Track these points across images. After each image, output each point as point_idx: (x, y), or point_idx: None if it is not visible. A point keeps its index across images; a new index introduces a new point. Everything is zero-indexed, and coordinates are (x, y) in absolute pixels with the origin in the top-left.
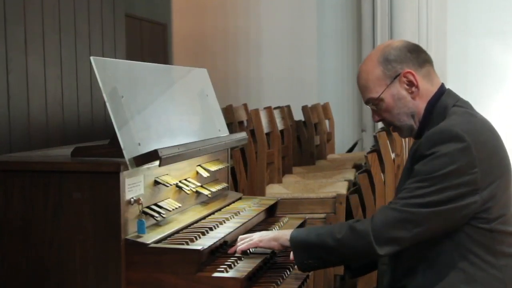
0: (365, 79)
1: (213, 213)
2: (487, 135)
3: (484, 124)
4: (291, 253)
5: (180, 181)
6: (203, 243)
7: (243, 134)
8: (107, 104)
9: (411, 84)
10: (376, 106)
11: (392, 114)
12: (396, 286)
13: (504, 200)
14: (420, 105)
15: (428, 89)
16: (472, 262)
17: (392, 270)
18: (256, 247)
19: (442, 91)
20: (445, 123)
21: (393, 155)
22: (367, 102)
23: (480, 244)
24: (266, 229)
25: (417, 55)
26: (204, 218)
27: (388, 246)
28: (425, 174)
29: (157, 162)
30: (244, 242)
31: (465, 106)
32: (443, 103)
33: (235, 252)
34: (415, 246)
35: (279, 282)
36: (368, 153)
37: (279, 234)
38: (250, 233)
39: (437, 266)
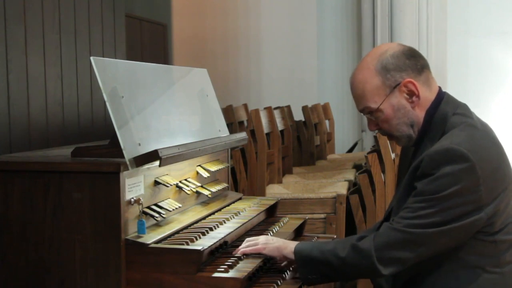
0: (361, 89)
1: (213, 213)
2: (490, 149)
3: (486, 135)
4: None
5: (180, 181)
6: (203, 243)
7: (243, 134)
8: (107, 104)
9: (411, 93)
10: (374, 116)
11: (391, 125)
12: None
13: (508, 211)
14: (420, 114)
15: (427, 97)
16: (476, 273)
17: (393, 280)
18: (259, 254)
19: (440, 97)
20: (448, 140)
21: (393, 155)
22: (363, 111)
23: (484, 255)
24: (267, 229)
25: (415, 61)
26: (204, 218)
27: (392, 266)
28: (429, 194)
29: (157, 162)
30: (249, 245)
31: (465, 113)
32: (442, 111)
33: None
34: None
35: (279, 283)
36: (368, 153)
37: (283, 245)
38: (251, 233)
39: (440, 277)
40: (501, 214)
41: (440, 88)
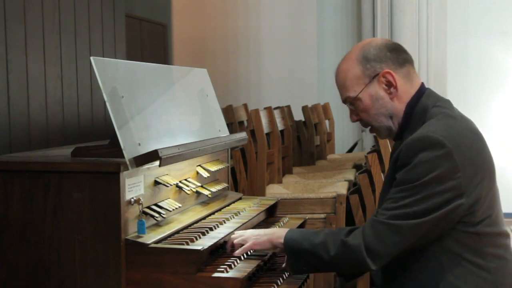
0: (343, 77)
1: (213, 213)
2: (468, 137)
3: (464, 125)
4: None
5: (180, 181)
6: (203, 243)
7: (243, 134)
8: (107, 104)
9: (389, 84)
10: (354, 105)
11: (369, 115)
12: None
13: (489, 201)
14: (399, 106)
15: (407, 90)
16: (462, 265)
17: (383, 275)
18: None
19: (422, 92)
20: (424, 129)
21: None
22: (345, 101)
23: (468, 247)
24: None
25: (397, 55)
26: (204, 218)
27: (380, 259)
28: (408, 182)
29: (157, 162)
30: (238, 242)
31: (445, 106)
32: (423, 104)
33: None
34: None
35: (279, 282)
36: (368, 153)
37: (273, 236)
38: None
39: (427, 270)
40: (482, 202)
41: (422, 83)
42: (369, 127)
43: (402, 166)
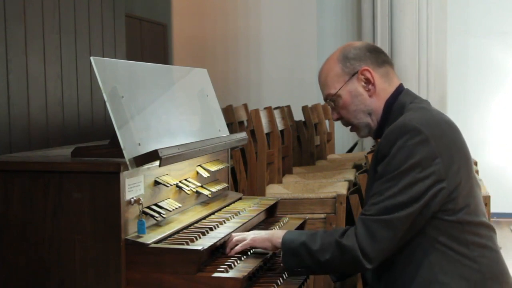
0: (324, 76)
1: (213, 213)
2: (443, 126)
3: (440, 116)
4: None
5: (180, 181)
6: (203, 243)
7: (243, 134)
8: (107, 104)
9: (368, 81)
10: (334, 102)
11: (348, 111)
12: (377, 284)
13: (467, 190)
14: (378, 103)
15: (385, 89)
16: (447, 255)
17: (373, 272)
18: (251, 248)
19: (400, 90)
20: (400, 119)
21: None
22: (326, 98)
23: (450, 236)
24: (266, 229)
25: (376, 55)
26: (204, 218)
27: (375, 258)
28: (390, 172)
29: (157, 162)
30: (238, 240)
31: (422, 103)
32: (401, 101)
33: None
34: None
35: (279, 282)
36: (368, 153)
37: (273, 237)
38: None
39: (413, 262)
40: (462, 190)
41: (401, 84)
42: (350, 126)
43: (383, 158)
